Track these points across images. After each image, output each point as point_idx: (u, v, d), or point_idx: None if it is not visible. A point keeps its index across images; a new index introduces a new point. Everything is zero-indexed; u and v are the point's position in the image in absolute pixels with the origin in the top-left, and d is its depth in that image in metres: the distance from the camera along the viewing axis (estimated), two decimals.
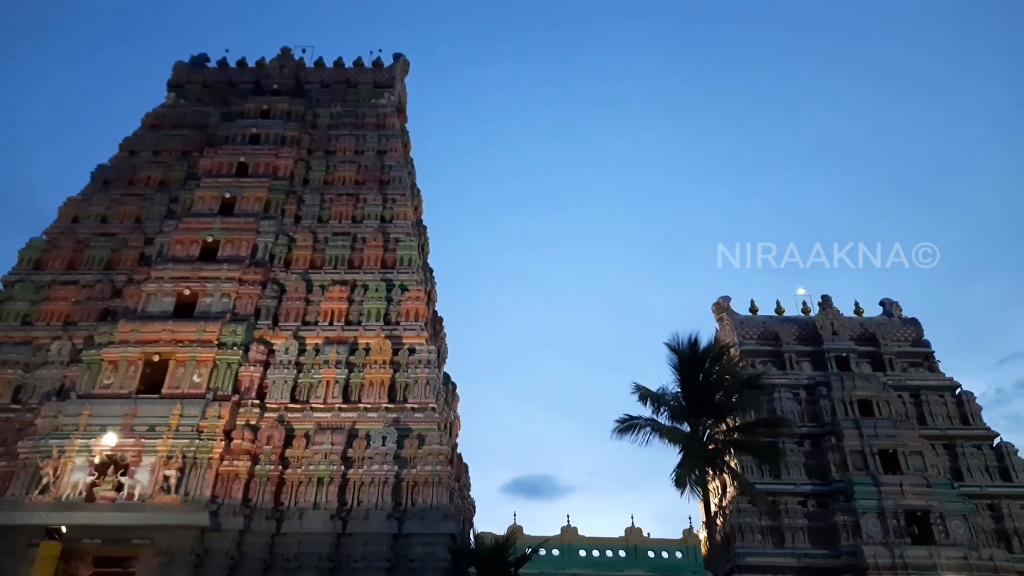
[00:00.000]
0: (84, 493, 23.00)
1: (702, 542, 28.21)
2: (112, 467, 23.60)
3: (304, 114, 36.06)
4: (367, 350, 27.63)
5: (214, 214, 31.13)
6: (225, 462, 24.15)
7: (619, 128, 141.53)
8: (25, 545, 21.52)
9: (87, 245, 31.05)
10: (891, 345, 33.90)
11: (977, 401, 32.06)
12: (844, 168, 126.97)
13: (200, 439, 24.23)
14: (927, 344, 34.27)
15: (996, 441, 30.90)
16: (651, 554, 27.04)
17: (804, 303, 36.50)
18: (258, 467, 24.39)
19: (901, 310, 36.21)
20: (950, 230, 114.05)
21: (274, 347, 27.53)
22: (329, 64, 40.22)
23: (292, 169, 33.42)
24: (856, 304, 36.23)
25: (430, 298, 33.83)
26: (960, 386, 32.59)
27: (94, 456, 23.61)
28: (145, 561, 22.38)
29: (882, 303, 36.92)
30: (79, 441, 23.83)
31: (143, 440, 24.05)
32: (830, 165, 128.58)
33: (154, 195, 32.89)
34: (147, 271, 28.99)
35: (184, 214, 31.28)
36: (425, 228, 37.70)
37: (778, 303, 36.48)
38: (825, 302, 35.30)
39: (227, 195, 31.87)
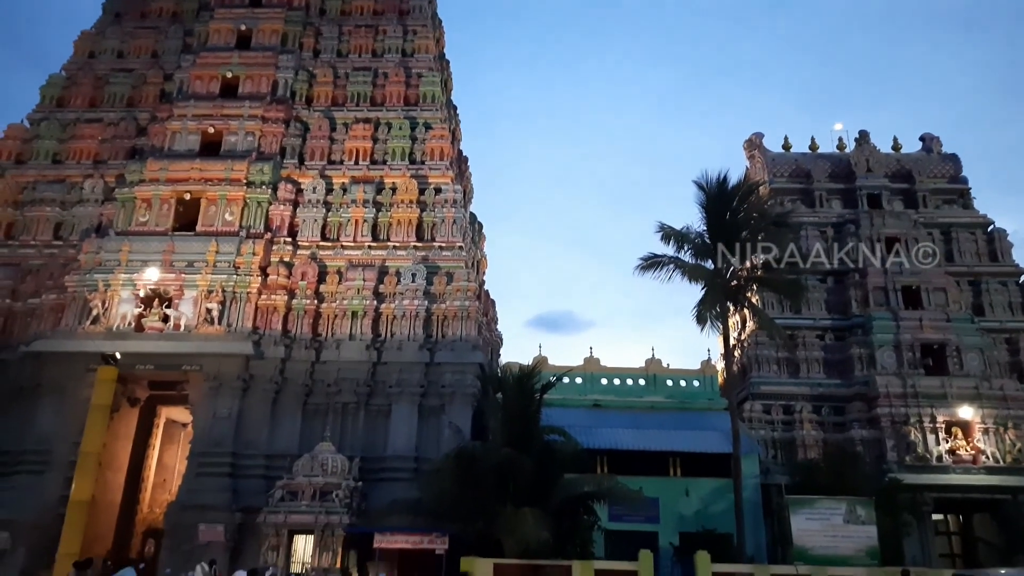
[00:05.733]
0: (133, 324, 24.38)
1: (719, 372, 29.36)
2: (157, 300, 24.82)
3: None
4: (393, 189, 27.77)
5: (231, 48, 30.29)
6: (263, 296, 25.20)
7: None
8: (84, 370, 23.11)
9: (107, 81, 30.73)
10: (926, 182, 33.03)
11: (1008, 239, 31.68)
12: None
13: (238, 275, 25.14)
14: (964, 180, 33.30)
15: (1022, 278, 30.84)
16: (669, 383, 28.24)
17: (840, 139, 35.20)
18: (295, 301, 25.46)
19: (941, 146, 34.84)
20: (996, 67, 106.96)
21: (302, 186, 27.74)
22: None
23: None
24: (895, 140, 34.81)
25: (454, 137, 33.32)
26: (993, 223, 32.04)
27: (138, 290, 24.75)
28: (196, 385, 24.09)
29: (922, 138, 35.48)
30: (122, 276, 24.89)
31: (183, 275, 25.05)
32: None
33: (168, 28, 32.00)
34: (170, 109, 28.76)
35: (200, 48, 30.46)
36: (448, 63, 36.37)
37: (813, 140, 35.20)
38: (862, 138, 34.03)
39: (242, 27, 30.80)
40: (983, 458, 25.55)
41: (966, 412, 26.11)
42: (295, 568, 20.85)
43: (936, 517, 26.51)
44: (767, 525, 24.77)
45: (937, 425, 26.06)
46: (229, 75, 29.59)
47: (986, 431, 26.04)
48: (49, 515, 21.48)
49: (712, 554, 19.59)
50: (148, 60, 31.38)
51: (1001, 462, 25.47)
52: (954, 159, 34.00)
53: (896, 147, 34.67)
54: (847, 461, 24.16)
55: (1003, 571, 15.29)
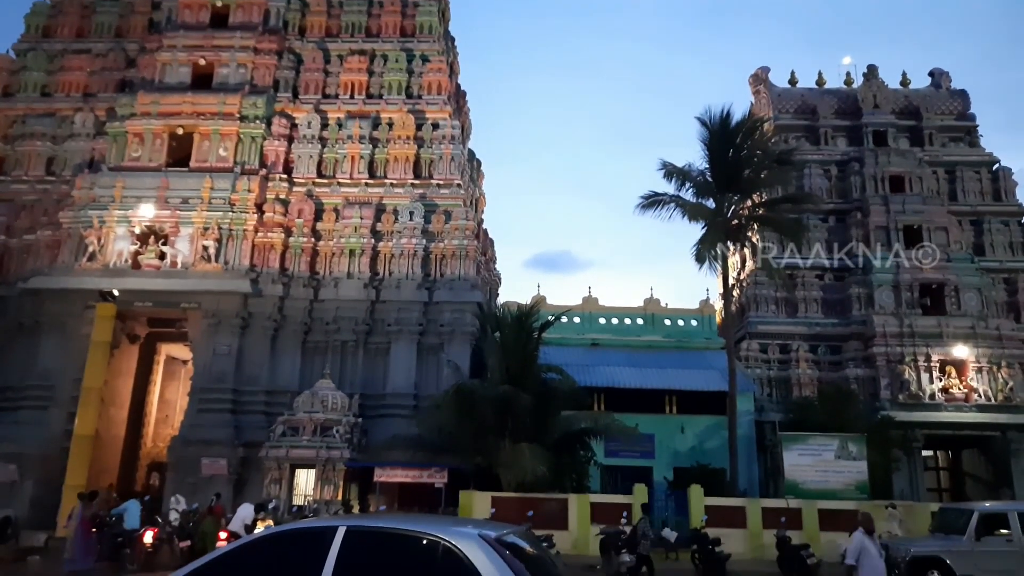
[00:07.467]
0: (129, 261, 24.23)
1: (717, 312, 29.45)
2: (152, 237, 24.59)
3: None
4: (390, 125, 27.23)
5: None
6: (260, 234, 25.00)
7: None
8: (82, 307, 23.08)
9: (93, 10, 29.71)
10: (934, 119, 32.38)
11: (1013, 178, 31.30)
12: None
13: (233, 212, 24.85)
14: (972, 118, 32.65)
15: None
16: (667, 322, 28.37)
17: (848, 74, 34.34)
18: (292, 239, 25.28)
19: (951, 81, 34.01)
20: (1008, 2, 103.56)
21: (296, 121, 27.18)
22: None
23: None
24: (903, 75, 33.92)
25: (452, 70, 32.43)
26: (998, 162, 31.58)
27: (134, 227, 24.50)
28: (195, 322, 24.12)
29: (931, 73, 34.58)
30: (117, 212, 24.57)
31: (178, 212, 24.74)
32: None
33: None
34: (159, 39, 27.88)
35: None
36: None
37: (820, 75, 34.29)
38: (870, 73, 33.15)
39: None
40: (975, 396, 25.88)
41: (961, 351, 26.32)
42: (297, 500, 21.33)
43: (926, 453, 27.10)
44: (760, 461, 25.30)
45: (932, 364, 26.31)
46: (219, 3, 28.55)
47: (980, 370, 26.31)
48: (55, 449, 21.86)
49: (705, 488, 20.07)
50: None
51: (993, 400, 25.81)
52: (963, 95, 33.29)
53: (904, 83, 33.86)
54: (841, 399, 24.48)
55: (988, 504, 15.65)
